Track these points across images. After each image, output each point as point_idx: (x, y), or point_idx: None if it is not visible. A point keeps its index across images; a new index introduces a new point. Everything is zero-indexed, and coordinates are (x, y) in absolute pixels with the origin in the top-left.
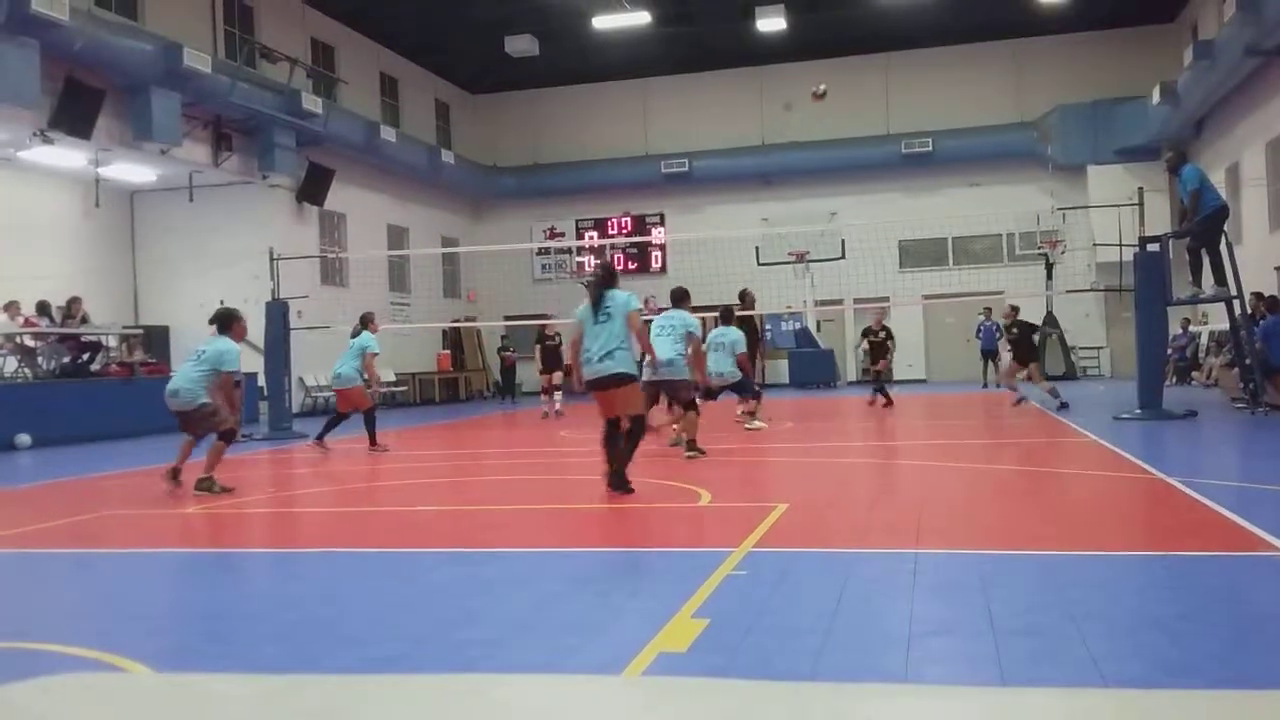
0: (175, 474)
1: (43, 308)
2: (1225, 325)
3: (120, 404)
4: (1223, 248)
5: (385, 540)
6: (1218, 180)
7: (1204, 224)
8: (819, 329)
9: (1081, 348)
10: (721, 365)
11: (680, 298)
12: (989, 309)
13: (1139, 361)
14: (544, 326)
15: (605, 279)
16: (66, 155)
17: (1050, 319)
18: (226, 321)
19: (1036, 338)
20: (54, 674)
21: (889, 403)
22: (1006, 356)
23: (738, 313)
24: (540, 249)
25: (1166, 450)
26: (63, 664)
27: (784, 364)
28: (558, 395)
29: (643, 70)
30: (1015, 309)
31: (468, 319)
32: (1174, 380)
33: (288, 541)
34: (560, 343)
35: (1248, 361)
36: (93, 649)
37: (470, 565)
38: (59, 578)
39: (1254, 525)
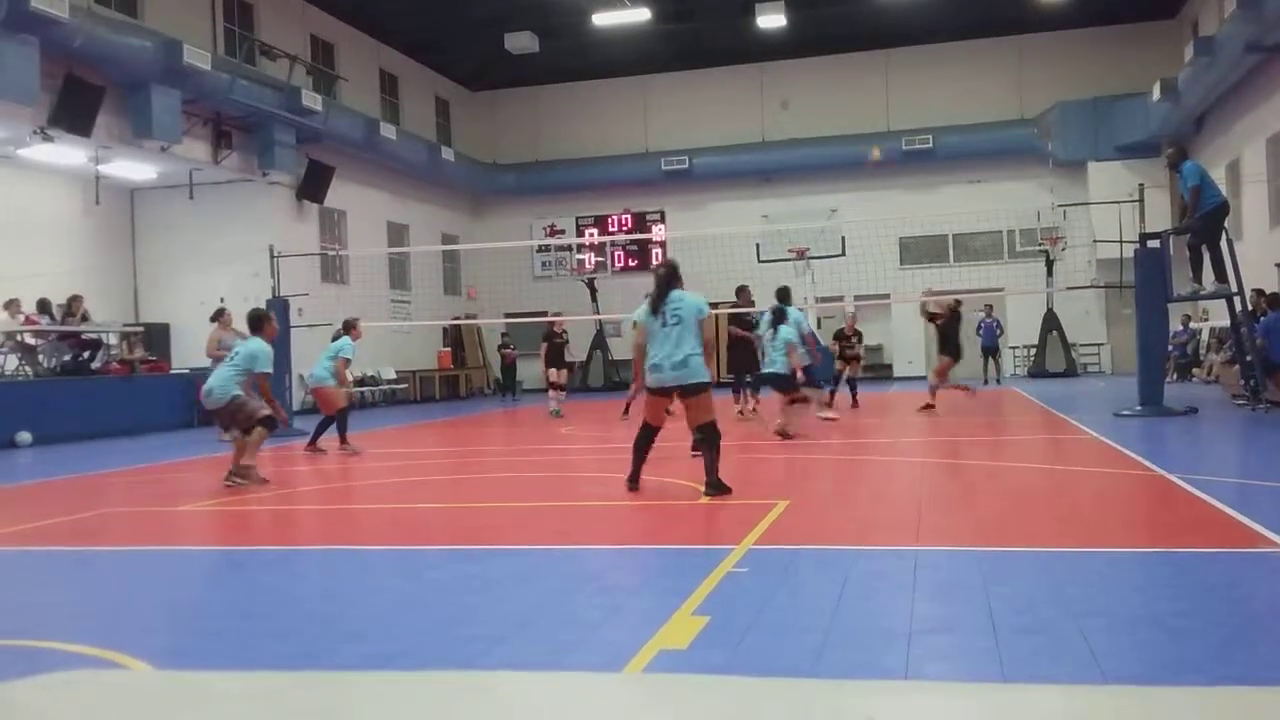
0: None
1: (43, 305)
2: (1226, 322)
3: (121, 402)
4: (1223, 244)
5: (386, 538)
6: (1218, 177)
7: (1204, 220)
8: (819, 326)
9: (1082, 344)
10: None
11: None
12: (989, 306)
13: (1139, 358)
14: (552, 324)
15: (670, 278)
16: (66, 153)
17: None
18: (258, 323)
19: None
20: (55, 671)
21: (829, 403)
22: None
23: (737, 309)
24: (540, 246)
25: (1167, 447)
26: (63, 661)
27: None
28: (560, 394)
29: (643, 67)
30: (958, 303)
31: (468, 316)
32: (1175, 377)
33: (288, 539)
34: (567, 340)
35: (1248, 358)
36: (94, 646)
37: (471, 562)
38: (60, 575)
39: (1254, 522)
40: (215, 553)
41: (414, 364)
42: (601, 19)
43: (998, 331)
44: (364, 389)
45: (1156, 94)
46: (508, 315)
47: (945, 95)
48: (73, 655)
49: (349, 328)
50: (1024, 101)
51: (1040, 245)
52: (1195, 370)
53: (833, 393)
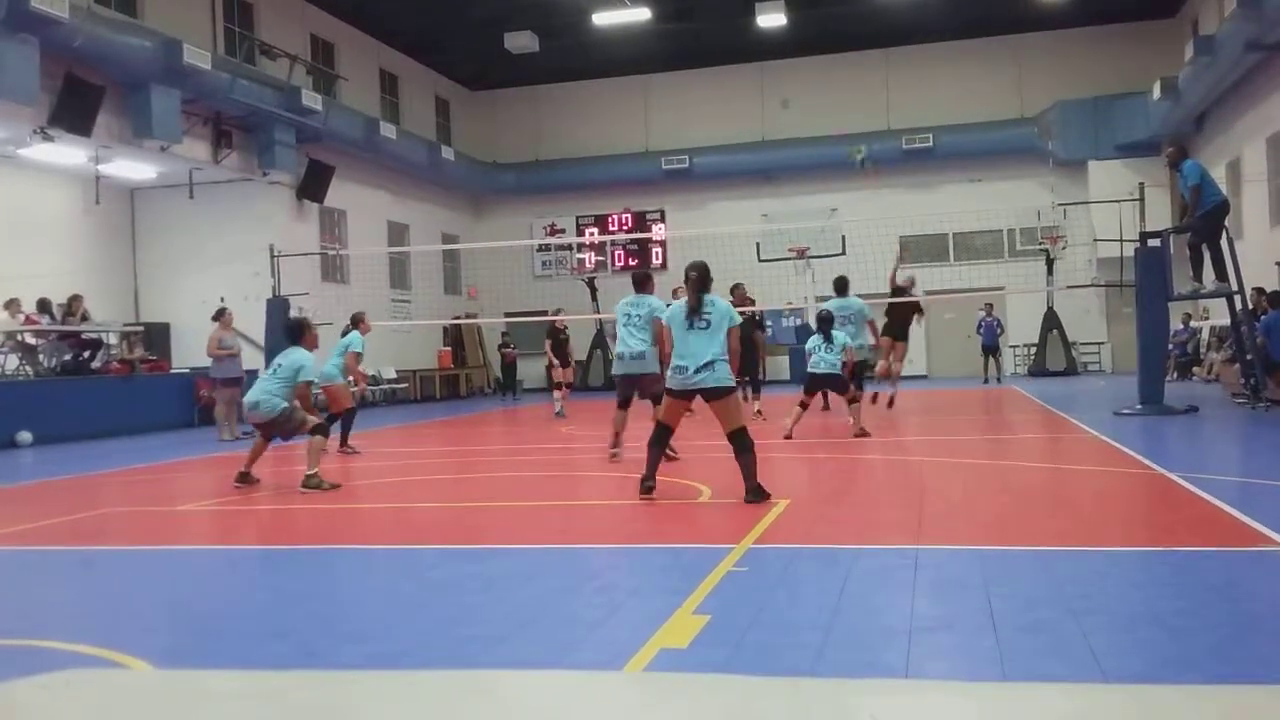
0: (246, 477)
1: (43, 305)
2: (1226, 320)
3: (121, 401)
4: (1224, 243)
5: (386, 537)
6: (1219, 175)
7: (1205, 219)
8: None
9: (1082, 343)
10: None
11: (642, 281)
12: (990, 305)
13: (1140, 357)
14: (554, 321)
15: (704, 280)
16: (67, 152)
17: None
18: (298, 332)
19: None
20: (56, 671)
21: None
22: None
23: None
24: (541, 246)
25: (1167, 445)
26: (64, 661)
27: (785, 360)
28: (565, 393)
29: (643, 66)
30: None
31: (468, 316)
32: (1175, 376)
33: (289, 538)
34: (568, 336)
35: (1249, 357)
36: (94, 646)
37: (471, 562)
38: (60, 575)
39: (1255, 520)
40: (215, 552)
41: (414, 363)
42: (601, 18)
43: (998, 330)
44: (369, 387)
45: (1157, 93)
46: (508, 315)
47: (945, 94)
48: (73, 655)
49: (356, 322)
50: (1024, 100)
51: (1040, 244)
52: (1196, 369)
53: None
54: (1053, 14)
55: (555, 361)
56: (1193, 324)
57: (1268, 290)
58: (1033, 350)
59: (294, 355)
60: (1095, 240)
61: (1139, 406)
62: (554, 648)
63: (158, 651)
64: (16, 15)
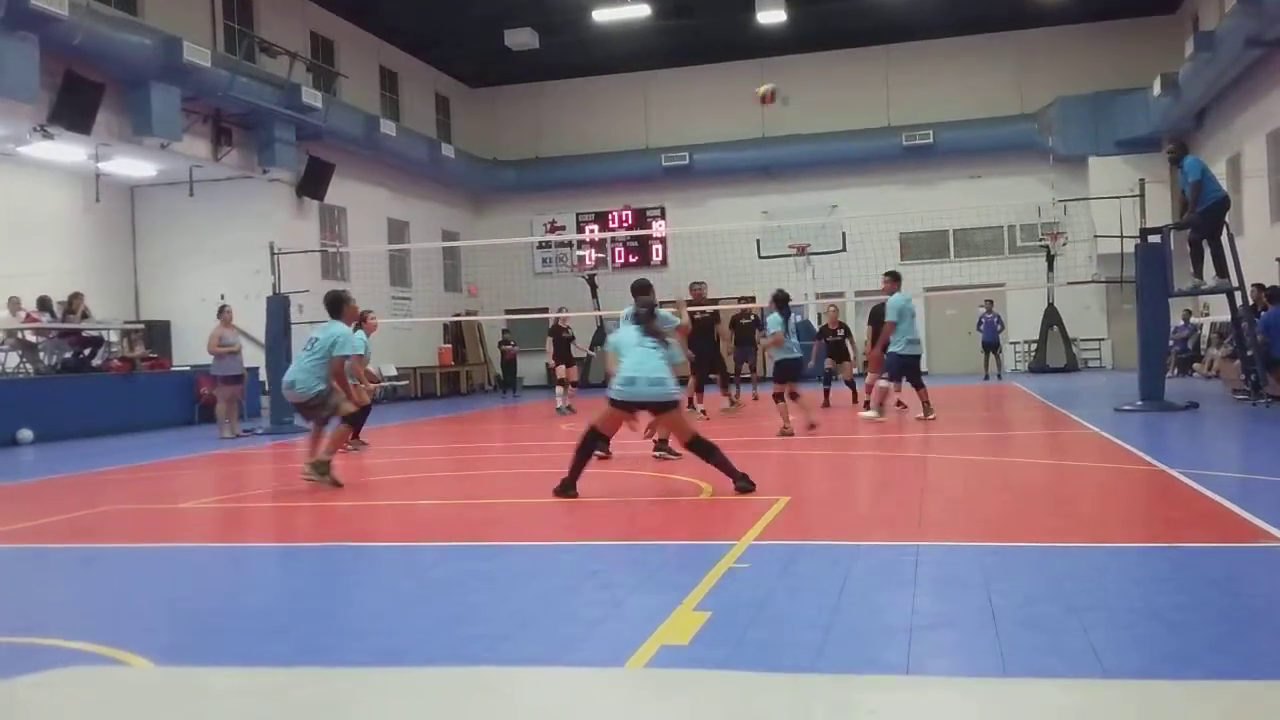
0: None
1: (44, 303)
2: (1227, 317)
3: (121, 399)
4: (1224, 239)
5: (388, 535)
6: (1219, 172)
7: (1205, 215)
8: (820, 322)
9: (1083, 340)
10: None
11: (643, 290)
12: (990, 301)
13: (1140, 353)
14: (557, 321)
15: (650, 304)
16: (66, 150)
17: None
18: (337, 305)
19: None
20: (57, 668)
21: (825, 403)
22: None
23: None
24: (541, 243)
25: (1168, 442)
26: (65, 658)
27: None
28: (570, 390)
29: (643, 63)
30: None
31: (469, 313)
32: (1175, 372)
33: (289, 536)
34: (573, 335)
35: (1249, 353)
36: (95, 643)
37: (473, 559)
38: (61, 573)
39: (1255, 516)
40: (216, 550)
41: (415, 361)
42: (601, 15)
43: (999, 327)
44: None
45: (1157, 89)
46: (508, 312)
47: (946, 90)
48: (74, 652)
49: (361, 320)
50: (1024, 97)
51: (1041, 240)
52: (1196, 365)
53: (826, 392)
54: (1053, 10)
55: (554, 361)
56: (1193, 320)
57: (1268, 286)
58: (1033, 347)
59: (331, 329)
60: (1095, 236)
61: (1139, 403)
62: (555, 645)
63: (158, 649)
64: (16, 13)
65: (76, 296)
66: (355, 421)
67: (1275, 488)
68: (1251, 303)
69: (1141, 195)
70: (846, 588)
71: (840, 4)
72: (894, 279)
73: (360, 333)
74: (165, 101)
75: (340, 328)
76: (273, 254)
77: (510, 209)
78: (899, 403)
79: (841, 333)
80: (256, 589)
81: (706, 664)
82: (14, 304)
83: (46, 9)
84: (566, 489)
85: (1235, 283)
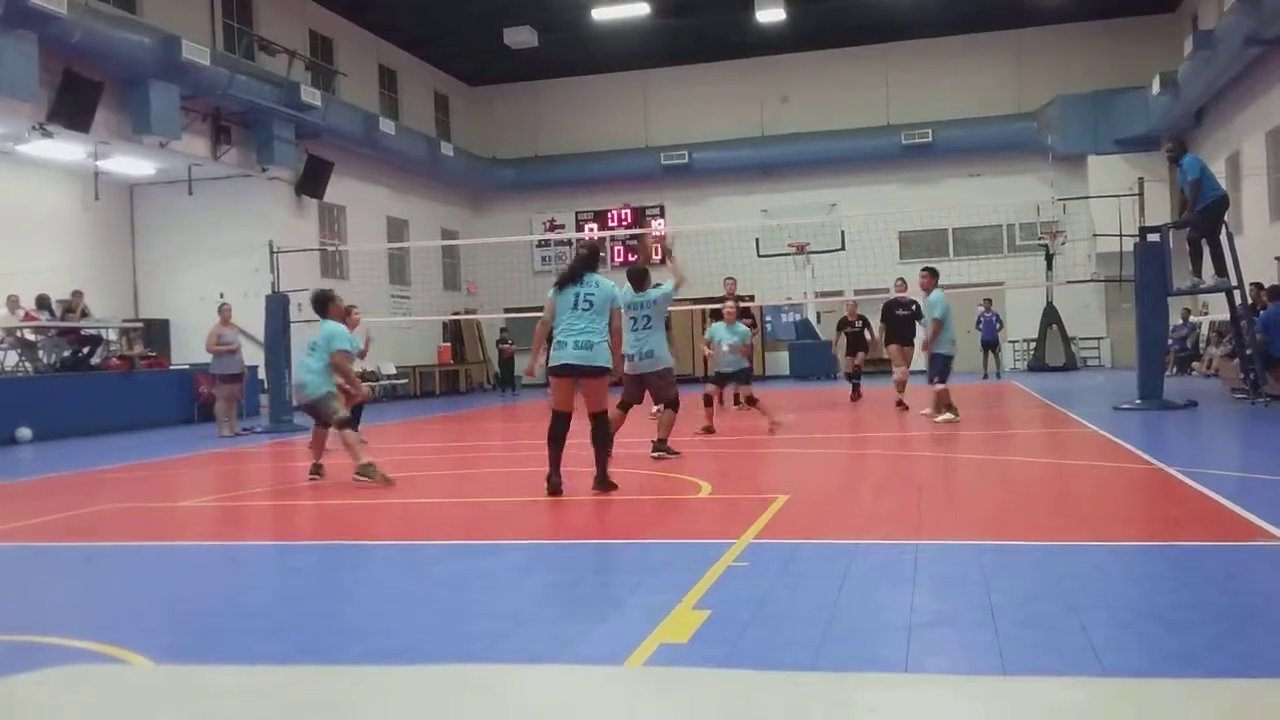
0: (318, 470)
1: (43, 301)
2: (1226, 315)
3: (120, 397)
4: (1223, 238)
5: (387, 533)
6: (1218, 170)
7: (1204, 214)
8: (819, 320)
9: (1082, 338)
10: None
11: (640, 277)
12: (989, 300)
13: (1139, 352)
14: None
15: (591, 260)
16: (65, 148)
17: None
18: (323, 305)
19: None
20: (55, 666)
21: (857, 396)
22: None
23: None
24: (540, 241)
25: (1167, 440)
26: (64, 657)
27: (784, 356)
28: None
29: (642, 62)
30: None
31: (468, 311)
32: (1174, 371)
33: (288, 534)
34: None
35: (1248, 352)
36: (94, 642)
37: (472, 557)
38: (60, 571)
39: (1253, 515)
40: (215, 548)
41: (414, 359)
42: (601, 14)
43: (997, 326)
44: (363, 384)
45: (1156, 88)
46: (508, 310)
47: (945, 89)
48: (73, 650)
49: (345, 314)
50: (1023, 95)
51: (1040, 239)
52: (1195, 364)
53: (856, 386)
54: (1052, 9)
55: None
56: (1192, 319)
57: (1267, 285)
58: (1032, 345)
59: (326, 328)
60: (1094, 235)
61: (1138, 401)
62: (554, 643)
63: (157, 647)
64: (15, 11)
65: (77, 295)
66: (350, 424)
67: (1274, 486)
68: (1250, 301)
69: (1140, 194)
70: (846, 586)
71: (839, 2)
72: (933, 275)
73: (342, 327)
74: (164, 100)
75: (334, 325)
76: (272, 252)
77: (509, 207)
78: (900, 402)
79: (860, 324)
80: (255, 588)
81: (706, 662)
82: (13, 302)
83: (45, 7)
84: (551, 485)
85: (1234, 281)
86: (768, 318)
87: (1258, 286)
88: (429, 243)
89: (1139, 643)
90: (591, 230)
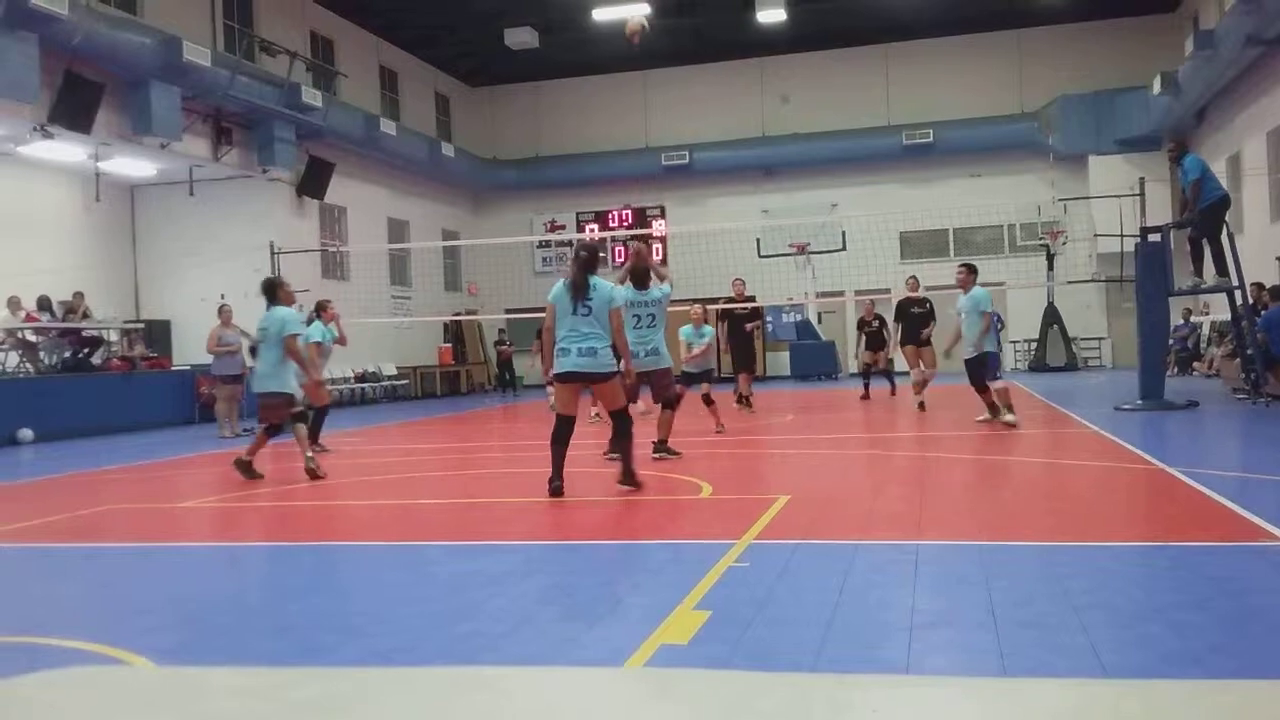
0: (248, 466)
1: (44, 303)
2: (1227, 315)
3: (122, 398)
4: (1224, 238)
5: (386, 533)
6: (1219, 170)
7: (1205, 214)
8: (820, 321)
9: (1083, 338)
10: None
11: (643, 275)
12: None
13: (1140, 352)
14: (547, 320)
15: (591, 263)
16: (66, 150)
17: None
18: (272, 290)
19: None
20: (57, 668)
21: (893, 391)
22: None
23: (728, 305)
24: (541, 242)
25: (1168, 440)
26: (66, 658)
27: (785, 356)
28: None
29: (643, 62)
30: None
31: (469, 312)
32: (1175, 371)
33: (289, 535)
34: None
35: (1249, 352)
36: (95, 643)
37: (472, 558)
38: (61, 572)
39: (1255, 515)
40: (216, 549)
41: (415, 360)
42: (601, 14)
43: (998, 325)
44: (364, 385)
45: (1157, 87)
46: (509, 311)
47: (945, 89)
48: (75, 651)
49: (320, 310)
50: (1024, 95)
51: (1041, 239)
52: (1196, 364)
53: (867, 386)
54: (1053, 8)
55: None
56: (1193, 319)
57: (1268, 285)
58: (1033, 345)
59: (276, 314)
60: (1095, 235)
61: (1139, 401)
62: (554, 644)
63: (158, 648)
64: (16, 12)
65: (78, 296)
66: (303, 419)
67: (1275, 486)
68: (1251, 301)
69: (1141, 194)
70: (846, 586)
71: (840, 3)
72: (972, 271)
73: (318, 322)
74: (165, 101)
75: (284, 310)
76: (273, 253)
77: (510, 208)
78: (921, 404)
79: (877, 323)
80: (256, 588)
81: (707, 663)
82: (14, 303)
83: (46, 8)
84: (553, 488)
85: (1235, 281)
86: (769, 318)
87: (1259, 286)
88: (430, 243)
89: (1140, 643)
90: (592, 231)
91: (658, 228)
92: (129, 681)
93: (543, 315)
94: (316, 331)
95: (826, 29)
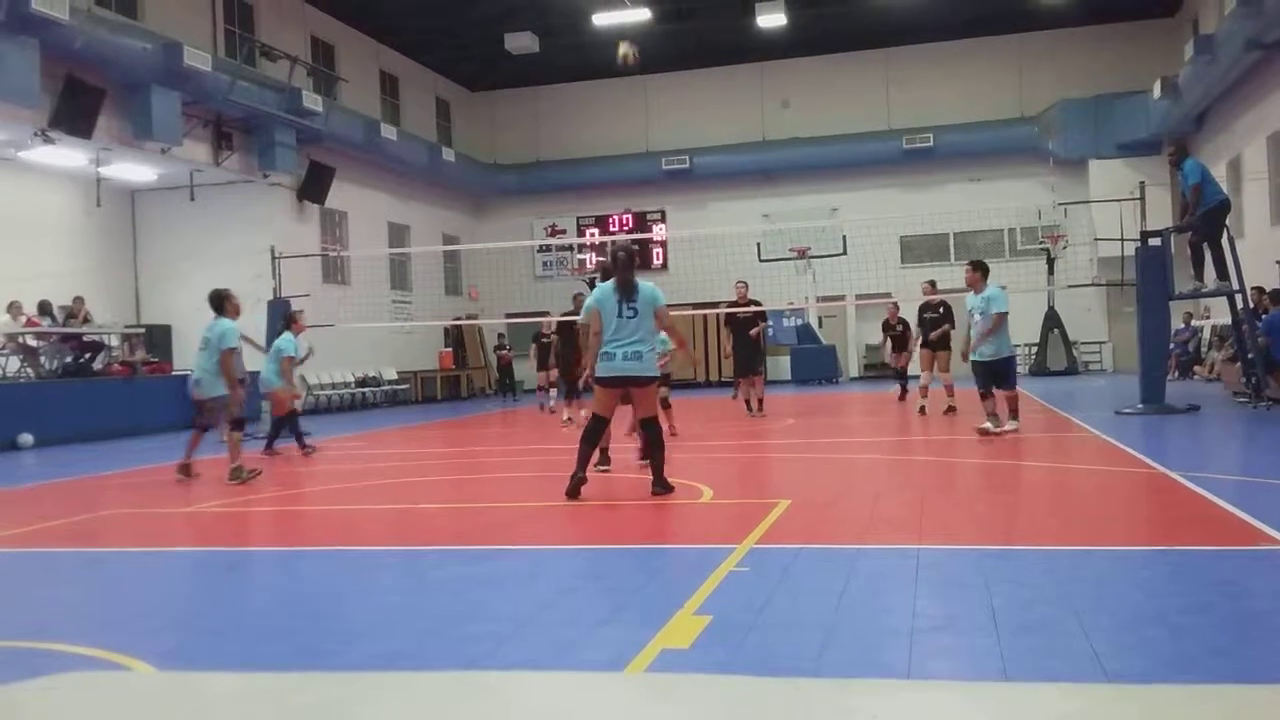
0: (186, 469)
1: (44, 307)
2: (1227, 319)
3: (122, 403)
4: (1225, 242)
5: (387, 538)
6: (1219, 174)
7: (1206, 218)
8: (820, 325)
9: (1083, 342)
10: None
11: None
12: None
13: (1141, 356)
14: (542, 325)
15: (632, 264)
16: (67, 155)
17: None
18: (219, 302)
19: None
20: (58, 673)
21: (903, 395)
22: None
23: (731, 309)
24: (541, 246)
25: (1169, 444)
26: (67, 663)
27: (786, 360)
28: (553, 391)
29: (643, 67)
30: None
31: (469, 317)
32: (1176, 375)
33: (290, 540)
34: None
35: (1250, 356)
36: (96, 648)
37: (473, 562)
38: (62, 577)
39: (1256, 519)
40: (217, 554)
41: (415, 364)
42: (602, 19)
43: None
44: (365, 389)
45: (1157, 92)
46: (509, 315)
47: (946, 94)
48: (76, 657)
49: (289, 322)
50: (1025, 100)
51: (1041, 243)
52: (1197, 368)
53: (904, 387)
54: (1053, 13)
55: (537, 366)
56: (1194, 323)
57: (1268, 289)
58: (1034, 350)
59: (216, 326)
60: (1096, 239)
61: (1140, 405)
62: (555, 648)
63: (159, 653)
64: (17, 17)
65: (78, 301)
66: (240, 426)
67: (1276, 490)
68: (1252, 305)
69: (1142, 198)
70: (847, 591)
71: (840, 7)
72: (975, 269)
73: (289, 333)
74: (166, 106)
75: (226, 323)
76: (273, 258)
77: (511, 213)
78: (922, 409)
79: (901, 327)
80: (257, 593)
81: (707, 667)
82: (15, 308)
83: (47, 13)
84: (575, 481)
85: (1236, 285)
86: (769, 322)
87: (1259, 290)
88: (430, 248)
89: (1141, 648)
90: (593, 235)
91: (658, 232)
92: (130, 686)
93: (541, 320)
94: (289, 344)
95: (827, 33)
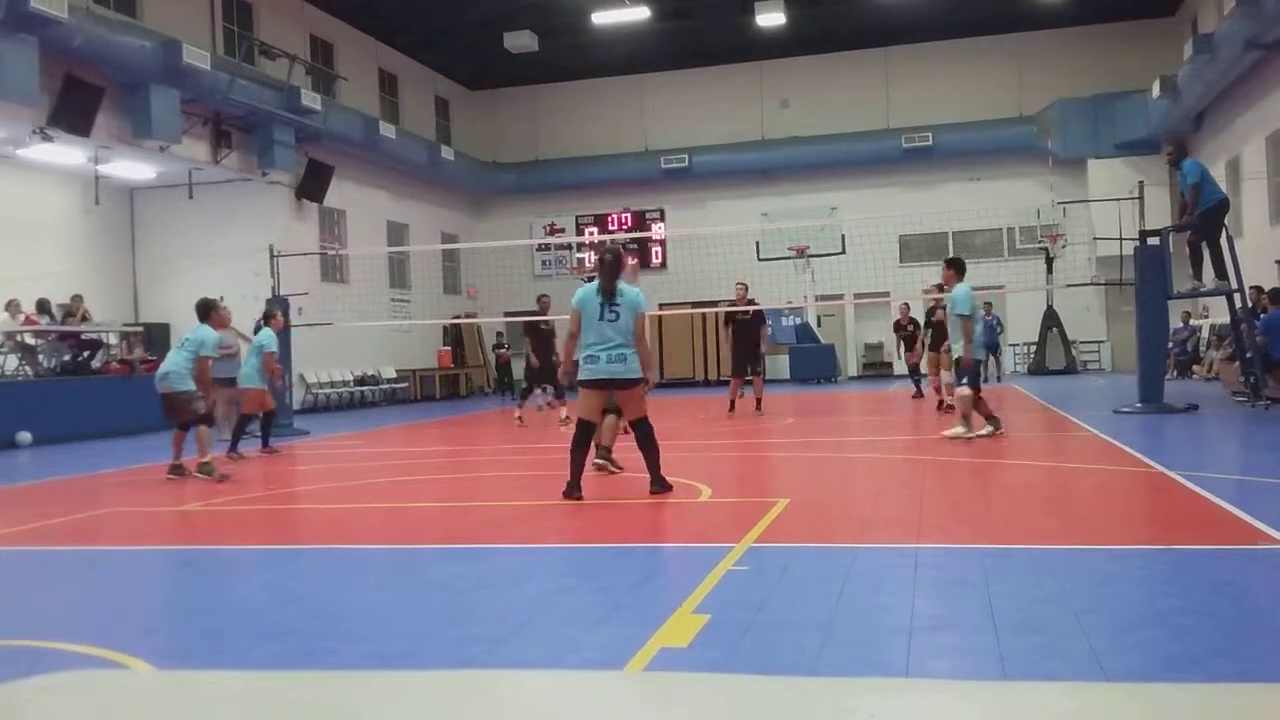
0: (178, 469)
1: (43, 306)
2: (1226, 319)
3: (120, 401)
4: (1223, 241)
5: (384, 537)
6: (1218, 174)
7: (1204, 218)
8: (819, 324)
9: (1082, 342)
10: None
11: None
12: (989, 304)
13: (1139, 355)
14: (538, 323)
15: (618, 266)
16: (66, 153)
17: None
18: (205, 311)
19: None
20: (56, 672)
21: (918, 394)
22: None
23: (730, 309)
24: (540, 245)
25: (1167, 444)
26: (64, 662)
27: (784, 359)
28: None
29: (642, 66)
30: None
31: (468, 315)
32: (1175, 374)
33: (287, 538)
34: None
35: (1249, 355)
36: (94, 646)
37: (470, 561)
38: (60, 576)
39: (1255, 518)
40: (215, 552)
41: (414, 363)
42: (601, 18)
43: (998, 329)
44: (363, 388)
45: (1156, 91)
46: (508, 314)
47: (945, 93)
48: (74, 655)
49: (268, 318)
50: (1024, 99)
51: (1040, 242)
52: (1195, 367)
53: (918, 384)
54: (1052, 12)
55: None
56: (1192, 322)
57: (1267, 288)
58: (1032, 349)
59: (199, 332)
60: (1095, 239)
61: (1139, 405)
62: (553, 647)
63: (158, 652)
64: (16, 15)
65: (77, 299)
66: (210, 422)
67: (1275, 489)
68: (1250, 305)
69: (1141, 197)
70: (846, 590)
71: (839, 6)
72: (949, 266)
73: (268, 329)
74: (165, 104)
75: (208, 332)
76: (272, 256)
77: (510, 211)
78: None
79: (911, 327)
80: (255, 592)
81: (706, 666)
82: (13, 306)
83: (46, 11)
84: (572, 490)
85: (1234, 285)
86: (768, 321)
87: (1258, 290)
88: (429, 247)
89: (1140, 647)
90: (592, 234)
91: (657, 231)
92: (128, 685)
93: (533, 318)
94: (270, 340)
95: (826, 32)
